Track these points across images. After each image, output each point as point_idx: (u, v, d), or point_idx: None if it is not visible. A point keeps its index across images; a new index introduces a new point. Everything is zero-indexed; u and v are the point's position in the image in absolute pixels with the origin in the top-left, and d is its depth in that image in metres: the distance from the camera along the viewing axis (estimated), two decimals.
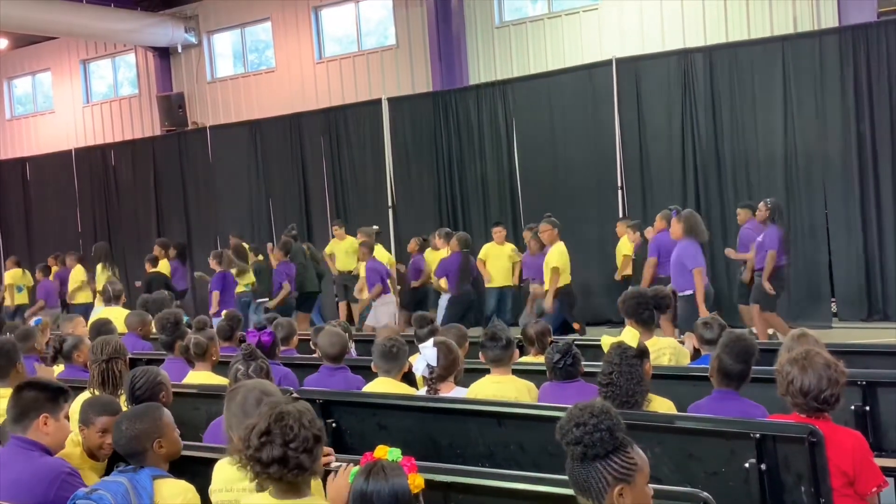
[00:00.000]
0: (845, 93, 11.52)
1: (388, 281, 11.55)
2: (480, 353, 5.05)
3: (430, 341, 4.75)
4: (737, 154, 12.27)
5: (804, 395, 3.57)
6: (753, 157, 12.17)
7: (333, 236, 13.79)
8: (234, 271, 12.09)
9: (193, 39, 18.29)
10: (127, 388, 4.19)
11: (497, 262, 11.90)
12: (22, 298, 15.06)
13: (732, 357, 4.14)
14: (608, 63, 13.03)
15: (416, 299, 12.43)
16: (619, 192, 13.05)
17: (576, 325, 10.42)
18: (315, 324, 12.73)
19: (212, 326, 6.77)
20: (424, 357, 4.69)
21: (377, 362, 5.04)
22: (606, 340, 4.13)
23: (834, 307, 11.71)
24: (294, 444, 2.74)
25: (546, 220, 10.44)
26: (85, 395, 4.65)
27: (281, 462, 2.74)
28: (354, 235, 13.07)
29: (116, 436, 3.59)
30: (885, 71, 11.35)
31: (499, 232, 12.12)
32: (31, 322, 8.08)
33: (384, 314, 11.13)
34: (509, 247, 12.11)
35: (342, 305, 13.61)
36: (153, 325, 7.32)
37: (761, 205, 10.18)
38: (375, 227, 13.07)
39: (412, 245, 12.74)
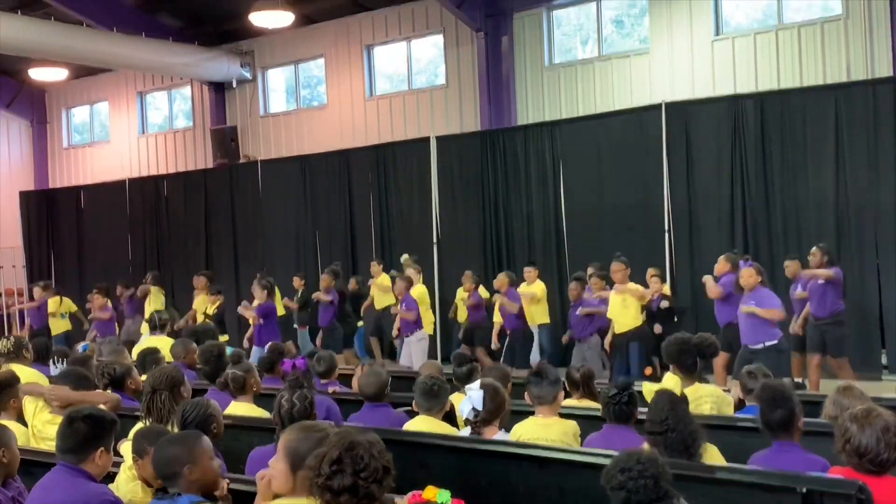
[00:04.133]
0: None
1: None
2: (526, 392, 5.02)
3: (477, 383, 4.71)
4: (787, 201, 12.15)
5: (860, 455, 3.49)
6: (804, 204, 12.03)
7: (373, 274, 13.90)
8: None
9: (248, 74, 18.64)
10: (178, 419, 4.23)
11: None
12: (65, 325, 15.15)
13: (766, 405, 4.09)
14: (657, 107, 13.02)
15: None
16: (667, 235, 12.96)
17: (647, 370, 10.31)
18: (361, 360, 12.87)
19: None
20: (470, 400, 4.64)
21: (418, 400, 5.03)
22: (648, 388, 4.08)
23: (884, 359, 11.48)
24: (364, 474, 2.76)
25: (618, 259, 10.40)
26: (139, 425, 4.70)
27: (351, 491, 2.76)
28: (399, 270, 13.27)
29: (155, 458, 3.63)
30: None
31: (530, 272, 12.14)
32: (78, 348, 8.19)
33: (419, 352, 11.11)
34: (540, 286, 12.11)
35: (374, 342, 13.68)
36: (197, 355, 7.39)
37: (815, 250, 10.03)
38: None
39: (468, 283, 12.56)
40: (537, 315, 11.98)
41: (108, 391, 6.15)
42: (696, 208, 12.84)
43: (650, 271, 11.51)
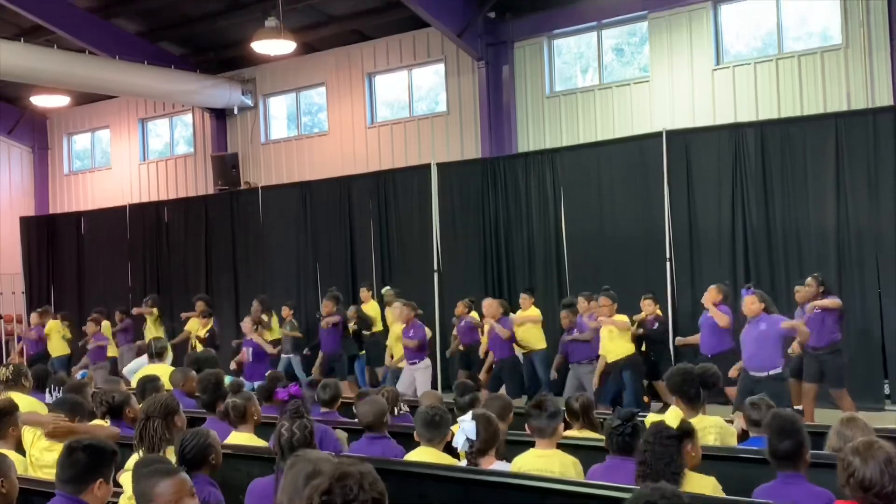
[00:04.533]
0: None
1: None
2: (526, 424, 4.98)
3: (469, 414, 4.69)
4: (788, 230, 12.15)
5: (865, 489, 3.43)
6: (805, 233, 12.03)
7: (361, 300, 13.87)
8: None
9: (249, 102, 18.71)
10: (177, 448, 4.20)
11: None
12: (64, 349, 15.21)
13: (775, 435, 4.05)
14: (658, 135, 13.05)
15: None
16: (668, 263, 12.94)
17: (645, 399, 10.30)
18: (361, 388, 12.83)
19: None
20: (463, 431, 4.61)
21: (419, 430, 4.99)
22: (651, 418, 4.06)
23: (887, 389, 11.41)
24: None
25: (605, 293, 10.35)
26: (135, 455, 4.65)
27: None
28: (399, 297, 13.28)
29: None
30: None
31: (525, 299, 12.11)
32: (77, 376, 8.15)
33: (424, 381, 11.06)
34: (536, 311, 12.09)
35: (366, 370, 13.67)
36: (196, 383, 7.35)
37: (811, 280, 9.99)
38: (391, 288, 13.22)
39: (460, 308, 12.58)
40: (535, 340, 11.91)
41: (107, 420, 6.12)
42: (696, 236, 12.84)
43: (644, 297, 11.54)
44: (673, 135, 12.98)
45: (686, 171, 12.87)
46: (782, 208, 12.19)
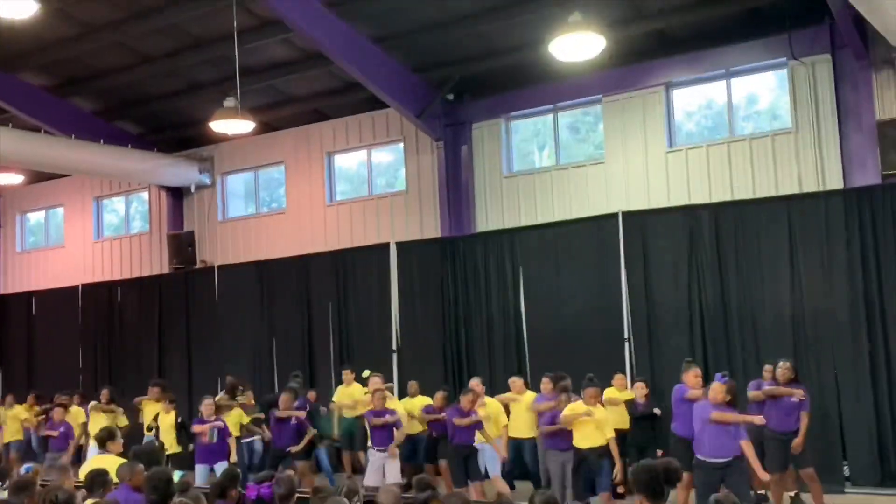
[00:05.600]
0: (851, 253, 11.58)
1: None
2: None
3: None
4: (744, 310, 12.25)
5: None
6: (760, 314, 12.14)
7: (342, 381, 13.56)
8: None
9: (207, 180, 18.62)
10: None
11: (518, 411, 11.71)
12: (17, 433, 14.90)
13: None
14: (614, 216, 13.19)
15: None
16: (626, 344, 12.96)
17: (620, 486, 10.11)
18: (325, 473, 12.49)
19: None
20: None
21: None
22: None
23: (847, 471, 11.40)
24: None
25: (592, 383, 10.15)
26: None
27: None
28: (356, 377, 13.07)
29: None
30: (891, 231, 11.45)
31: (515, 382, 11.97)
32: (22, 470, 7.85)
33: (394, 468, 10.77)
34: (530, 395, 11.85)
35: (346, 456, 13.31)
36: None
37: (784, 364, 9.93)
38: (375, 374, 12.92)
39: (439, 400, 11.91)
40: (524, 428, 11.61)
41: None
42: (654, 316, 12.90)
43: (638, 383, 11.54)
44: (629, 216, 13.14)
45: (642, 252, 13.01)
46: (737, 288, 12.32)
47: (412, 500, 5.79)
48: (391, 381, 13.98)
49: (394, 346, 15.00)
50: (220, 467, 10.52)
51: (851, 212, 11.64)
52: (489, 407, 11.35)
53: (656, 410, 11.30)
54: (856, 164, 12.34)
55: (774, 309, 12.00)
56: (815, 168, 12.67)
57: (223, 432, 11.69)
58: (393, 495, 5.88)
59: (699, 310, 12.56)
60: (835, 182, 12.43)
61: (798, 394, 9.74)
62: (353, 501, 6.14)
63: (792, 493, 10.22)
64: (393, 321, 15.11)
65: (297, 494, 6.65)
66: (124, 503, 6.47)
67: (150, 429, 13.04)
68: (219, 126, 14.17)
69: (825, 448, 11.22)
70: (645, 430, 11.29)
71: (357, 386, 13.14)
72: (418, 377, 13.42)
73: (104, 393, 14.14)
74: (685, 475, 8.96)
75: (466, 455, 10.57)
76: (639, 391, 11.50)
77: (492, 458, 11.03)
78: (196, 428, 11.58)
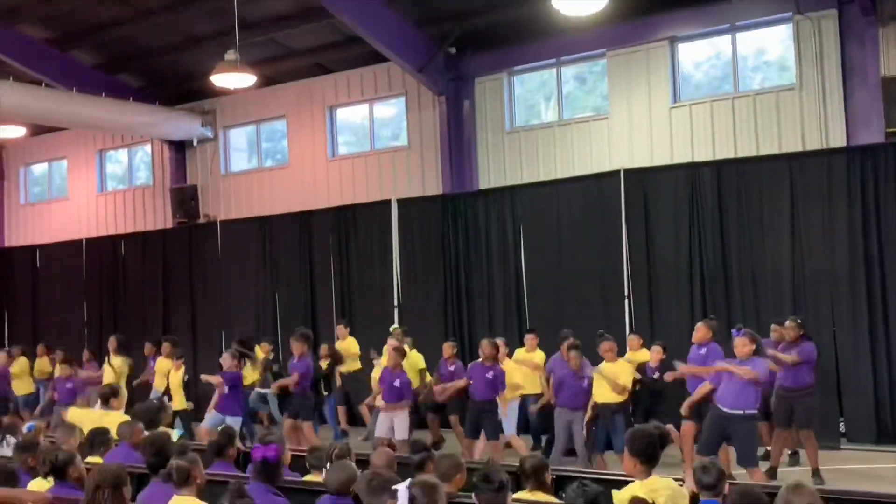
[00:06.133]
0: (853, 212, 11.55)
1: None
2: (474, 495, 4.87)
3: (406, 483, 4.50)
4: (744, 268, 12.27)
5: None
6: (760, 271, 12.16)
7: (338, 337, 13.65)
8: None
9: (209, 133, 18.55)
10: None
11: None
12: (29, 387, 15.15)
13: None
14: (616, 173, 13.14)
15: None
16: (626, 301, 13.00)
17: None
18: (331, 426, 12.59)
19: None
20: (400, 499, 4.39)
21: (362, 496, 4.83)
22: (617, 496, 4.00)
23: (843, 427, 11.49)
24: None
25: (605, 338, 10.10)
26: None
27: None
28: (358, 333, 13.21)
29: None
30: (893, 191, 11.40)
31: (531, 339, 12.01)
32: (24, 428, 7.95)
33: (403, 425, 10.77)
34: (540, 354, 11.91)
35: (342, 410, 13.41)
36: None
37: (793, 325, 9.89)
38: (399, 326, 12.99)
39: (448, 349, 12.01)
40: (531, 384, 11.63)
41: (50, 479, 5.98)
42: (654, 274, 12.92)
43: (655, 346, 11.07)
44: (631, 173, 13.10)
45: (644, 209, 12.98)
46: (738, 246, 12.31)
47: (407, 461, 5.85)
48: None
49: (395, 303, 15.07)
50: (231, 420, 10.64)
51: (854, 170, 11.60)
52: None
53: (666, 375, 10.34)
54: (860, 122, 12.22)
55: (774, 267, 12.01)
56: (818, 125, 12.55)
57: (235, 385, 11.58)
58: (386, 456, 5.94)
59: (700, 267, 12.57)
60: (838, 140, 12.32)
61: (788, 359, 9.75)
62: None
63: (790, 451, 10.32)
64: (394, 277, 15.16)
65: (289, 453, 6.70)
66: (124, 461, 6.56)
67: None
68: (220, 79, 14.10)
69: (822, 406, 11.28)
70: (653, 395, 10.85)
71: (351, 340, 13.25)
72: (419, 333, 13.50)
73: (111, 340, 13.82)
74: (691, 426, 9.11)
75: (487, 411, 10.48)
76: (655, 355, 10.93)
77: (508, 417, 11.02)
78: (206, 378, 11.63)
